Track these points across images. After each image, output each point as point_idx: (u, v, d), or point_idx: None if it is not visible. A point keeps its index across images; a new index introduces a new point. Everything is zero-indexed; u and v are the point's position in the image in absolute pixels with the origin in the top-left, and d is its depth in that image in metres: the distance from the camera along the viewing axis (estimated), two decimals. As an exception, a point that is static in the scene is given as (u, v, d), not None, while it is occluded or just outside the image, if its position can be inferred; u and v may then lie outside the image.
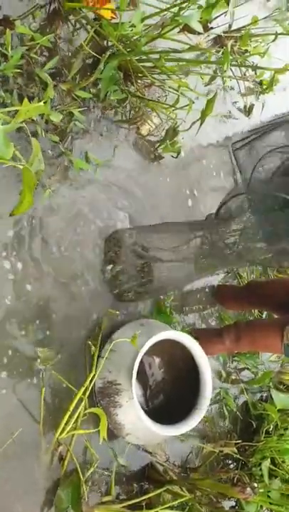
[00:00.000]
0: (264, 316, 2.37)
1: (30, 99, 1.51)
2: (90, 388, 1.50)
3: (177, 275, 1.76)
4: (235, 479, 1.74)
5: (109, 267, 1.71)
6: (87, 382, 1.49)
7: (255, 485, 1.74)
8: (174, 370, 1.73)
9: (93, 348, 1.57)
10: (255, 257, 1.72)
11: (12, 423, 1.39)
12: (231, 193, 1.88)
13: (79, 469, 1.47)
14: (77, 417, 1.46)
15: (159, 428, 1.50)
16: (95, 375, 1.51)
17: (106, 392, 1.57)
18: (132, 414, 1.51)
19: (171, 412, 1.62)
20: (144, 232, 1.77)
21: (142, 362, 1.64)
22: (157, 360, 1.72)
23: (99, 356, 1.58)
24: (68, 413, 1.45)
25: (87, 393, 1.49)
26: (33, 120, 1.51)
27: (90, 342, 1.58)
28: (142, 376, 1.65)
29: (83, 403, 1.47)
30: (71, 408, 1.46)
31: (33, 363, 1.46)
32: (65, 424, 1.45)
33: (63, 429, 1.44)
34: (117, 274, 1.70)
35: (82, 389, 1.47)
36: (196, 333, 1.85)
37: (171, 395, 1.70)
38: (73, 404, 1.46)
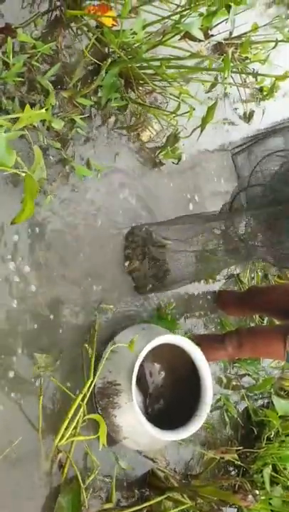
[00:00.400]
0: (265, 322, 2.37)
1: (32, 106, 1.52)
2: (88, 395, 1.49)
3: (191, 269, 1.78)
4: (237, 486, 1.74)
5: (127, 263, 1.78)
6: (86, 388, 1.48)
7: (257, 492, 1.73)
8: (174, 375, 1.72)
9: (90, 350, 1.56)
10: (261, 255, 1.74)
11: (12, 430, 1.38)
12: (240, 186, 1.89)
13: (79, 476, 1.46)
14: (77, 424, 1.45)
15: (158, 432, 1.50)
16: (92, 381, 1.50)
17: (105, 392, 1.57)
18: (130, 416, 1.51)
19: (172, 418, 1.62)
20: (159, 227, 1.82)
21: (142, 367, 1.64)
22: (157, 365, 1.71)
23: (97, 358, 1.58)
24: (67, 420, 1.44)
25: (86, 400, 1.48)
26: (34, 127, 1.52)
27: (86, 345, 1.56)
28: (142, 382, 1.65)
29: (82, 409, 1.46)
30: (70, 415, 1.45)
31: (32, 369, 1.46)
32: (64, 430, 1.44)
33: (62, 436, 1.43)
34: (134, 269, 1.78)
35: (80, 396, 1.46)
36: (198, 339, 1.85)
37: (172, 401, 1.70)
38: (72, 411, 1.46)
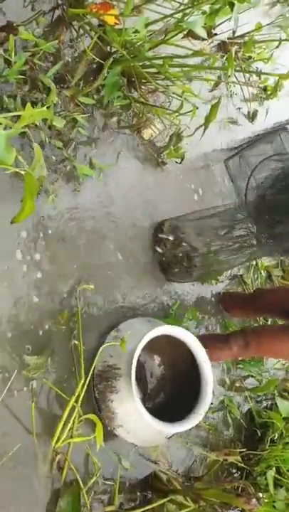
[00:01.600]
0: (269, 322, 2.35)
1: (34, 104, 1.51)
2: (82, 394, 1.46)
3: (217, 259, 1.83)
4: (240, 489, 1.72)
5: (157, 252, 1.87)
6: (78, 389, 1.45)
7: (260, 495, 1.71)
8: (175, 372, 1.72)
9: (83, 347, 1.53)
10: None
11: (8, 436, 1.36)
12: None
13: (79, 478, 1.44)
14: (73, 425, 1.43)
15: (152, 420, 1.47)
16: (85, 382, 1.47)
17: (104, 376, 1.56)
18: (127, 401, 1.50)
19: (172, 413, 1.60)
20: (183, 221, 1.88)
21: (142, 368, 1.63)
22: (158, 361, 1.70)
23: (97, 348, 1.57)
24: (62, 422, 1.42)
25: (80, 400, 1.46)
26: (36, 126, 1.51)
27: (75, 342, 1.54)
28: (142, 382, 1.64)
29: (76, 410, 1.44)
30: (64, 417, 1.43)
31: (22, 372, 1.42)
32: (60, 433, 1.42)
33: (58, 438, 1.42)
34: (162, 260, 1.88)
35: (74, 397, 1.44)
36: (202, 339, 1.83)
37: (172, 396, 1.69)
38: (66, 413, 1.43)
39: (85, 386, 1.47)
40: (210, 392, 1.63)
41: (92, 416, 1.45)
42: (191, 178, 2.15)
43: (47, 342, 1.49)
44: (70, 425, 1.43)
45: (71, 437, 1.43)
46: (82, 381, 1.44)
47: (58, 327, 1.53)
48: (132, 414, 1.51)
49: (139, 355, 1.53)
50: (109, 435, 1.59)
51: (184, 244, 1.85)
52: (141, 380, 1.61)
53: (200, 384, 1.64)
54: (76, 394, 1.44)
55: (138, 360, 1.51)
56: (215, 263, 1.86)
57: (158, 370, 1.70)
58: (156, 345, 1.63)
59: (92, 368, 1.54)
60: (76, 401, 1.44)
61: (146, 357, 1.67)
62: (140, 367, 1.63)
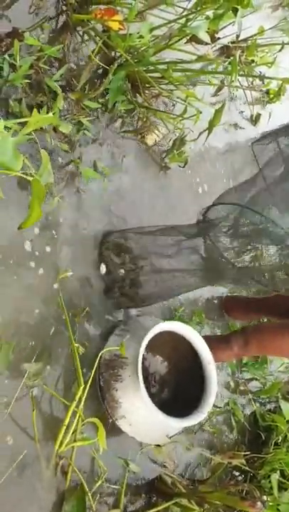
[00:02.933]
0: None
1: (39, 108, 1.52)
2: (83, 398, 1.46)
3: (166, 284, 1.74)
4: (244, 492, 1.72)
5: (102, 266, 1.71)
6: (78, 394, 1.44)
7: (265, 498, 1.71)
8: (179, 370, 1.73)
9: (81, 348, 1.53)
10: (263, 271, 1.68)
11: (11, 443, 1.35)
12: (222, 199, 1.83)
13: (84, 482, 1.44)
14: (76, 429, 1.43)
15: (155, 411, 1.48)
16: (85, 388, 1.46)
17: (111, 364, 1.57)
18: (131, 391, 1.51)
19: (174, 413, 1.60)
20: (134, 235, 1.76)
21: (147, 370, 1.65)
22: (161, 360, 1.72)
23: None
24: (64, 427, 1.42)
25: (82, 404, 1.45)
26: (42, 129, 1.52)
27: (76, 344, 1.52)
28: (146, 379, 1.64)
29: (78, 415, 1.43)
30: (66, 422, 1.42)
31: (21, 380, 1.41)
32: (63, 437, 1.42)
33: (61, 443, 1.41)
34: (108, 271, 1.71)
35: (74, 403, 1.43)
36: (205, 341, 1.84)
37: (175, 396, 1.70)
38: (68, 418, 1.43)
39: (86, 392, 1.46)
40: (214, 391, 1.64)
41: (94, 419, 1.45)
42: (193, 180, 2.16)
43: (46, 347, 1.49)
44: (72, 429, 1.43)
45: (74, 441, 1.43)
46: (82, 387, 1.44)
47: (56, 330, 1.52)
48: (135, 405, 1.53)
49: (143, 354, 1.55)
50: (113, 435, 1.60)
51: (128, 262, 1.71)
52: (147, 378, 1.62)
53: (204, 384, 1.65)
54: (77, 399, 1.44)
55: (142, 356, 1.53)
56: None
57: (161, 369, 1.71)
58: (160, 344, 1.65)
59: (98, 358, 1.55)
60: (77, 406, 1.44)
61: (150, 355, 1.69)
62: (144, 365, 1.64)
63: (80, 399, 1.44)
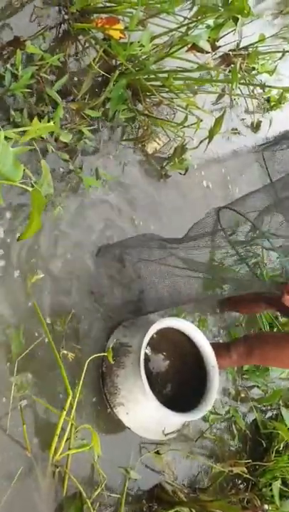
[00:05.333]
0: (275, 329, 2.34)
1: (40, 117, 1.53)
2: (74, 405, 1.44)
3: (163, 295, 1.76)
4: (246, 500, 1.71)
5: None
6: (67, 404, 1.42)
7: (266, 507, 1.70)
8: (181, 368, 1.74)
9: (70, 354, 1.51)
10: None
11: (5, 455, 1.35)
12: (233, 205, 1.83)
13: (82, 490, 1.43)
14: (69, 437, 1.42)
15: (152, 398, 1.49)
16: (75, 397, 1.45)
17: (115, 351, 1.59)
18: (132, 378, 1.53)
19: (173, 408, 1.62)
20: (130, 246, 1.78)
21: (150, 367, 1.66)
22: (166, 360, 1.73)
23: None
24: (56, 436, 1.41)
25: (73, 411, 1.44)
26: (42, 138, 1.52)
27: (65, 351, 1.51)
28: (149, 379, 1.64)
29: (70, 423, 1.42)
30: (58, 431, 1.41)
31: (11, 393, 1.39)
32: (57, 446, 1.40)
33: (56, 452, 1.40)
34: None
35: (64, 412, 1.41)
36: None
37: (176, 394, 1.70)
38: (59, 427, 1.41)
39: (75, 401, 1.44)
40: (214, 392, 1.65)
41: (87, 426, 1.44)
42: (194, 188, 2.16)
43: (32, 357, 1.47)
44: (65, 438, 1.42)
45: (69, 449, 1.42)
46: (70, 397, 1.42)
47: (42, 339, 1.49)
48: (134, 393, 1.54)
49: (147, 354, 1.58)
50: (113, 442, 1.60)
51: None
52: (149, 376, 1.62)
53: (205, 385, 1.66)
54: (66, 409, 1.42)
55: (145, 354, 1.55)
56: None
57: (164, 368, 1.72)
58: (164, 343, 1.68)
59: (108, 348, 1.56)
60: (68, 414, 1.42)
61: (154, 355, 1.71)
62: (146, 362, 1.65)
63: (72, 406, 1.43)
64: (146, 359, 1.66)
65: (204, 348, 1.72)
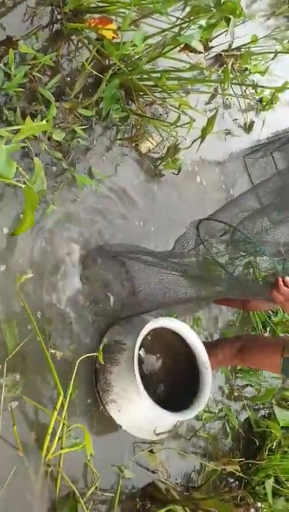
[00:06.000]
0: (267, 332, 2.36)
1: (33, 116, 1.53)
2: (66, 404, 1.43)
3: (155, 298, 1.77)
4: (239, 498, 1.72)
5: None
6: (59, 403, 1.42)
7: (259, 505, 1.71)
8: (175, 372, 1.74)
9: (58, 353, 1.50)
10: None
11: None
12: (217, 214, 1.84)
13: (75, 490, 1.43)
14: (61, 436, 1.41)
15: (146, 398, 1.49)
16: (66, 397, 1.44)
17: (109, 349, 1.60)
18: (125, 376, 1.54)
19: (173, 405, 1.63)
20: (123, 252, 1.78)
21: (143, 368, 1.67)
22: (159, 361, 1.73)
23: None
24: (48, 435, 1.41)
25: (65, 409, 1.43)
26: (36, 137, 1.53)
27: (53, 350, 1.49)
28: (143, 380, 1.65)
29: (62, 423, 1.41)
30: (50, 430, 1.41)
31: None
32: (49, 445, 1.40)
33: (48, 451, 1.40)
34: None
35: (56, 412, 1.41)
36: None
37: (169, 394, 1.70)
38: (51, 427, 1.41)
39: (67, 400, 1.44)
40: (208, 390, 1.66)
41: (79, 426, 1.44)
42: (188, 187, 2.17)
43: (20, 357, 1.45)
44: (57, 437, 1.41)
45: (61, 448, 1.42)
46: (62, 396, 1.42)
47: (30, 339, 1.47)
48: (126, 390, 1.54)
49: (141, 355, 1.58)
50: (106, 440, 1.60)
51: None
52: (143, 377, 1.62)
53: (198, 385, 1.68)
54: (57, 408, 1.41)
55: (139, 355, 1.55)
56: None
57: (158, 369, 1.73)
58: (158, 344, 1.69)
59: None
60: (60, 413, 1.41)
61: (148, 356, 1.72)
62: (140, 363, 1.66)
63: (63, 406, 1.43)
64: (140, 360, 1.66)
65: (197, 349, 1.73)
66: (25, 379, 1.44)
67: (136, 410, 1.57)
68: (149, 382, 1.67)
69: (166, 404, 1.57)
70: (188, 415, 1.61)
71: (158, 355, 1.73)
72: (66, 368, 1.51)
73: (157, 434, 1.64)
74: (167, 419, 1.61)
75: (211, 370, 1.96)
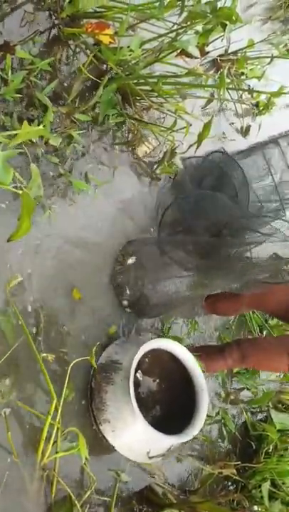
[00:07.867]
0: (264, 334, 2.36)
1: (30, 121, 1.54)
2: (60, 409, 1.43)
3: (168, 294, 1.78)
4: (235, 502, 1.72)
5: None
6: (52, 408, 1.42)
7: (256, 508, 1.72)
8: (170, 390, 1.73)
9: (50, 357, 1.49)
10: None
11: None
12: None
13: (71, 494, 1.42)
14: (56, 440, 1.41)
15: (141, 419, 1.47)
16: (59, 401, 1.44)
17: (105, 368, 1.59)
18: (120, 395, 1.52)
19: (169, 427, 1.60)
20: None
21: (140, 391, 1.66)
22: (155, 381, 1.72)
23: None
24: (42, 440, 1.41)
25: (59, 413, 1.43)
26: (32, 142, 1.53)
27: (45, 354, 1.48)
28: (139, 402, 1.64)
29: (56, 427, 1.41)
30: (44, 435, 1.41)
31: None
32: (44, 449, 1.40)
33: (43, 456, 1.40)
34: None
35: (49, 417, 1.41)
36: (198, 351, 1.84)
37: (165, 416, 1.69)
38: (45, 431, 1.41)
39: (60, 405, 1.44)
40: (204, 412, 1.64)
41: (74, 429, 1.44)
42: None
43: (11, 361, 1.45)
44: (52, 441, 1.41)
45: (56, 452, 1.41)
46: (55, 400, 1.42)
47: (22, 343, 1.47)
48: (121, 411, 1.52)
49: (138, 377, 1.58)
50: (102, 444, 1.60)
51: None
52: (139, 400, 1.61)
53: (194, 408, 1.65)
54: (51, 413, 1.41)
55: (135, 376, 1.54)
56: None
57: (154, 391, 1.71)
58: (154, 366, 1.68)
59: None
60: (54, 418, 1.41)
61: (145, 378, 1.69)
62: (136, 386, 1.64)
63: (57, 410, 1.42)
64: (137, 383, 1.64)
65: (193, 371, 1.69)
66: (19, 385, 1.44)
67: (130, 434, 1.55)
68: (145, 404, 1.65)
69: (161, 427, 1.55)
70: (183, 438, 1.57)
71: (155, 377, 1.71)
72: (62, 374, 1.51)
73: (151, 458, 1.61)
74: (162, 442, 1.58)
75: (216, 372, 1.97)
